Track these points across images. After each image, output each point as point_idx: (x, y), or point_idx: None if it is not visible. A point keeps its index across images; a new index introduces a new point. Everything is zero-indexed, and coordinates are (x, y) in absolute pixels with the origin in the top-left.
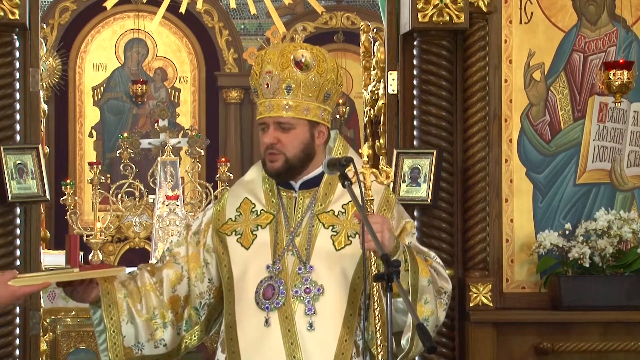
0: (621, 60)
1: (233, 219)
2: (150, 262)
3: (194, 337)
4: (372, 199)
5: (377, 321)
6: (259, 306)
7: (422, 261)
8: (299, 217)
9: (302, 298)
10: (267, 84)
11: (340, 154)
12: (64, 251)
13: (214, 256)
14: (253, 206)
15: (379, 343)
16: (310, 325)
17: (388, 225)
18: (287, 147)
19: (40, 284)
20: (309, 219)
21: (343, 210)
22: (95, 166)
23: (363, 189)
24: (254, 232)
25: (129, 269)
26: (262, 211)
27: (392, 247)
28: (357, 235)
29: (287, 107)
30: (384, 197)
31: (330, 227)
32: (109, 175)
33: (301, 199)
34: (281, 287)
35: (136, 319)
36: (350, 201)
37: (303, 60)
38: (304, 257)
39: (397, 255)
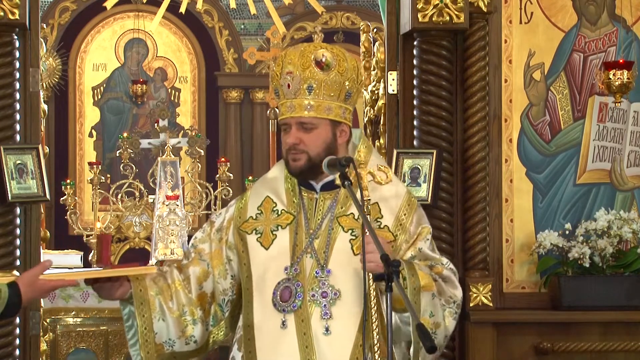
0: (621, 60)
1: (254, 217)
2: (154, 261)
3: (221, 332)
4: (369, 199)
5: (374, 327)
6: (276, 308)
7: (426, 274)
8: (319, 219)
9: (318, 302)
10: (289, 85)
11: (361, 154)
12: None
13: (235, 253)
14: (274, 205)
15: (375, 350)
16: (327, 329)
17: (385, 248)
18: (310, 146)
19: (70, 280)
20: (328, 222)
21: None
22: (95, 166)
23: (359, 189)
24: (274, 232)
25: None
26: (282, 211)
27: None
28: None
29: (308, 107)
30: (405, 200)
31: (350, 231)
32: (109, 175)
33: (322, 201)
34: (298, 290)
35: (167, 317)
36: (372, 205)
37: (324, 59)
38: (322, 260)
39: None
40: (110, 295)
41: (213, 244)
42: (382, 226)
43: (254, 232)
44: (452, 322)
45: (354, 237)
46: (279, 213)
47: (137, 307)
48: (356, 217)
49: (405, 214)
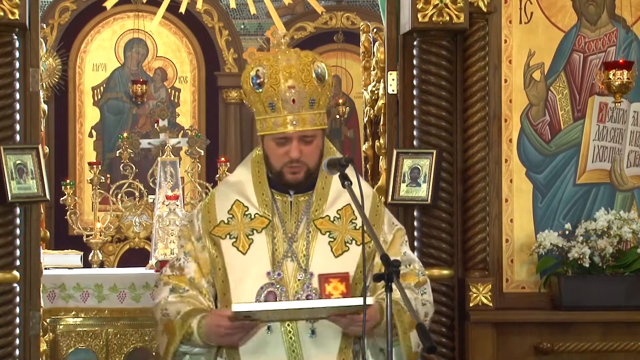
0: (621, 60)
1: (225, 221)
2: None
3: None
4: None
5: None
6: None
7: (406, 312)
8: (294, 222)
9: None
10: (294, 100)
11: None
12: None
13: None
14: (246, 209)
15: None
16: (313, 332)
17: (372, 317)
18: (310, 158)
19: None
20: (305, 225)
21: (338, 216)
22: (95, 166)
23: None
24: (249, 237)
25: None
26: (256, 215)
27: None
28: (353, 242)
29: (311, 120)
30: (372, 207)
31: (327, 233)
32: (108, 175)
33: (296, 204)
34: (283, 294)
35: None
36: (345, 206)
37: (319, 71)
38: (304, 263)
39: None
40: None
41: (199, 256)
42: (357, 227)
43: (228, 236)
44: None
45: (332, 240)
46: (252, 217)
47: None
48: (332, 220)
49: (376, 214)
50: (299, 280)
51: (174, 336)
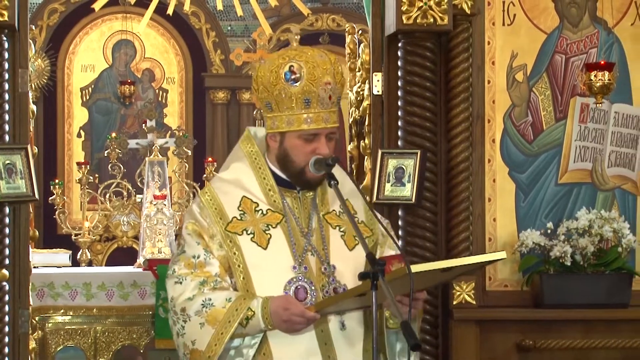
0: (602, 62)
1: (238, 217)
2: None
3: None
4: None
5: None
6: None
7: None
8: (306, 218)
9: None
10: (330, 96)
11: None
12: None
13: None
14: (256, 205)
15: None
16: (342, 324)
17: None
18: (331, 155)
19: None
20: (317, 220)
21: (342, 210)
22: (83, 166)
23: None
24: (266, 232)
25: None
26: (268, 210)
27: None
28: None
29: (335, 117)
30: (366, 208)
31: (337, 227)
32: (97, 175)
33: (304, 199)
34: (312, 288)
35: None
36: (346, 200)
37: (342, 70)
38: (324, 257)
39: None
40: None
41: (219, 254)
42: (359, 222)
43: (245, 232)
44: None
45: (343, 234)
46: (264, 212)
47: None
48: (338, 214)
49: (368, 209)
50: (323, 273)
51: (227, 323)
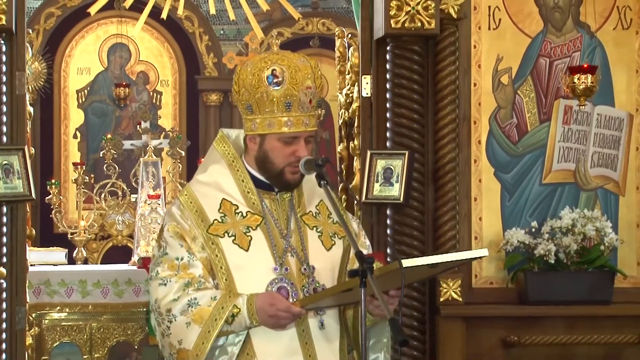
0: (585, 65)
1: (219, 220)
2: (136, 258)
3: None
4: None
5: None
6: None
7: None
8: (285, 219)
9: None
10: (310, 100)
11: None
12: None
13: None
14: (236, 207)
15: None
16: (322, 323)
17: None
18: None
19: None
20: (295, 221)
21: (318, 211)
22: (79, 166)
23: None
24: (247, 234)
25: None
26: (248, 213)
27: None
28: (336, 235)
29: (315, 121)
30: (339, 204)
31: (315, 228)
32: (92, 175)
33: (281, 201)
34: (293, 288)
35: None
36: (320, 202)
37: (320, 75)
38: (303, 257)
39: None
40: None
41: (201, 256)
42: (335, 222)
43: (226, 234)
44: None
45: (320, 234)
46: (244, 215)
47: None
48: (314, 215)
49: (342, 210)
50: (303, 274)
51: (213, 321)
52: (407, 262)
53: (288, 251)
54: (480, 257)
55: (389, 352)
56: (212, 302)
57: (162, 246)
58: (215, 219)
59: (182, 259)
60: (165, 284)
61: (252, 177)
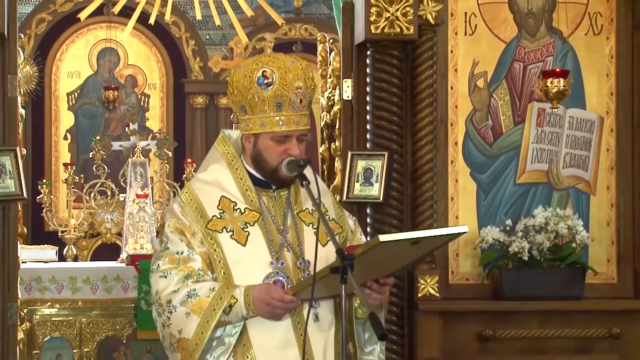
0: (558, 70)
1: (218, 216)
2: (124, 255)
3: None
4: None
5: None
6: None
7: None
8: (282, 216)
9: None
10: (301, 100)
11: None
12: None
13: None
14: (234, 204)
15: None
16: (316, 316)
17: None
18: (302, 155)
19: None
20: (292, 217)
21: (314, 209)
22: (69, 167)
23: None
24: (244, 230)
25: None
26: (246, 209)
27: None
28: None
29: (306, 120)
30: (334, 201)
31: (311, 225)
32: (82, 175)
33: (279, 198)
34: (289, 282)
35: None
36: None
37: (312, 76)
38: (299, 252)
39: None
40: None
41: (201, 250)
42: (330, 219)
43: (224, 230)
44: None
45: (315, 230)
46: (242, 211)
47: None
48: (311, 212)
49: (339, 207)
50: (298, 268)
51: (212, 311)
52: (384, 237)
53: (284, 246)
54: (460, 234)
55: (385, 344)
56: (211, 293)
57: (164, 241)
58: (214, 215)
59: (182, 253)
60: (165, 277)
61: (251, 176)
